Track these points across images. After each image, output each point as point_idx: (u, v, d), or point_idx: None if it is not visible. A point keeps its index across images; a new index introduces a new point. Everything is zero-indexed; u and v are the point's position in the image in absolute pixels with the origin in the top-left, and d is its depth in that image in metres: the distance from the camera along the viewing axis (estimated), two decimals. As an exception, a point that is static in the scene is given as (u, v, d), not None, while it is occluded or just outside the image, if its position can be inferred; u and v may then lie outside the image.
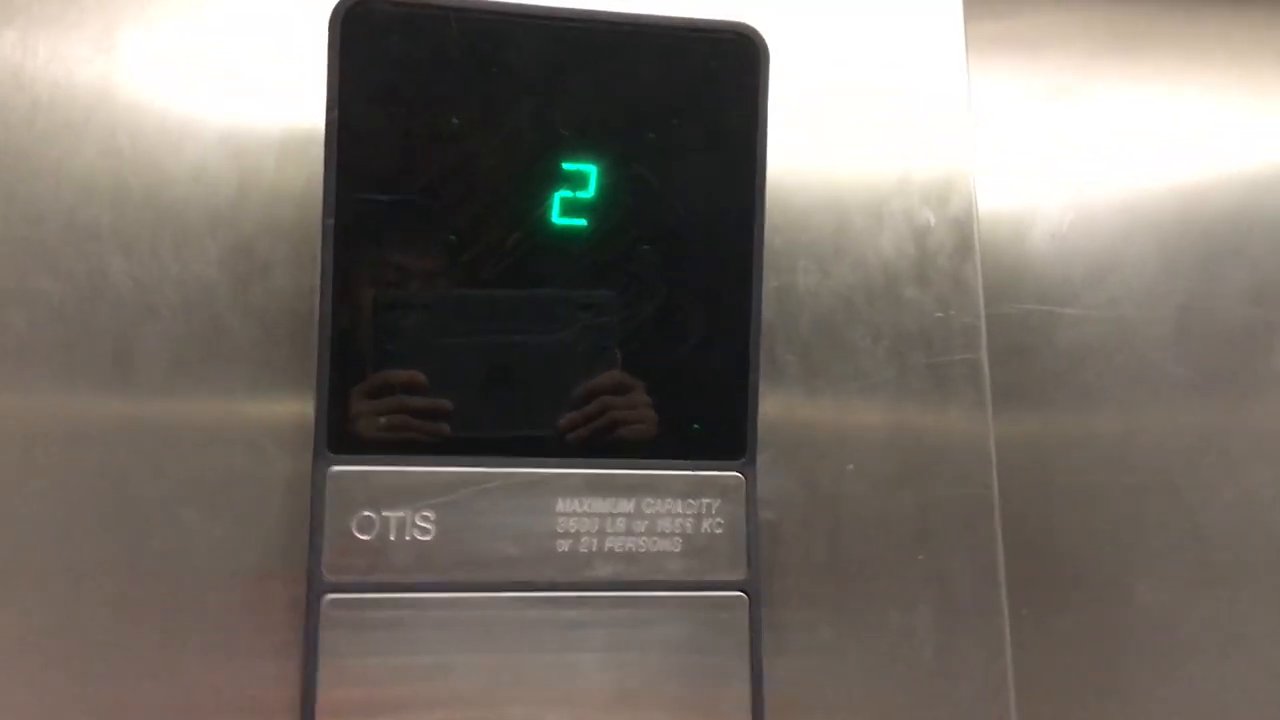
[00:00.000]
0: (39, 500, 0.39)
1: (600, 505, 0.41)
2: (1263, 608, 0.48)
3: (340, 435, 0.40)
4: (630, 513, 0.41)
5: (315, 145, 0.40)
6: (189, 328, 0.40)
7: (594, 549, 0.40)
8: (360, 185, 0.40)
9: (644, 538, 0.41)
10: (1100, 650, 0.47)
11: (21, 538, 0.38)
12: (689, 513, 0.41)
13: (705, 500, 0.41)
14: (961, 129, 0.46)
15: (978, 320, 0.45)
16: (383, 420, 0.40)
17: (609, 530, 0.41)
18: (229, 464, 0.40)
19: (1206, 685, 0.47)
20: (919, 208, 0.45)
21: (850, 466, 0.43)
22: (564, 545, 0.40)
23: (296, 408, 0.40)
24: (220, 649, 0.39)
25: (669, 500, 0.41)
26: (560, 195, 0.41)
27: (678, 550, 0.41)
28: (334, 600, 0.39)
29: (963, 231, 0.45)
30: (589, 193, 0.41)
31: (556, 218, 0.41)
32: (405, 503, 0.40)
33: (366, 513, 0.39)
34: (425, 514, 0.40)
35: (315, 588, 0.39)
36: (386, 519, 0.39)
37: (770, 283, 0.43)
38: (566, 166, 0.41)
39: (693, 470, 0.41)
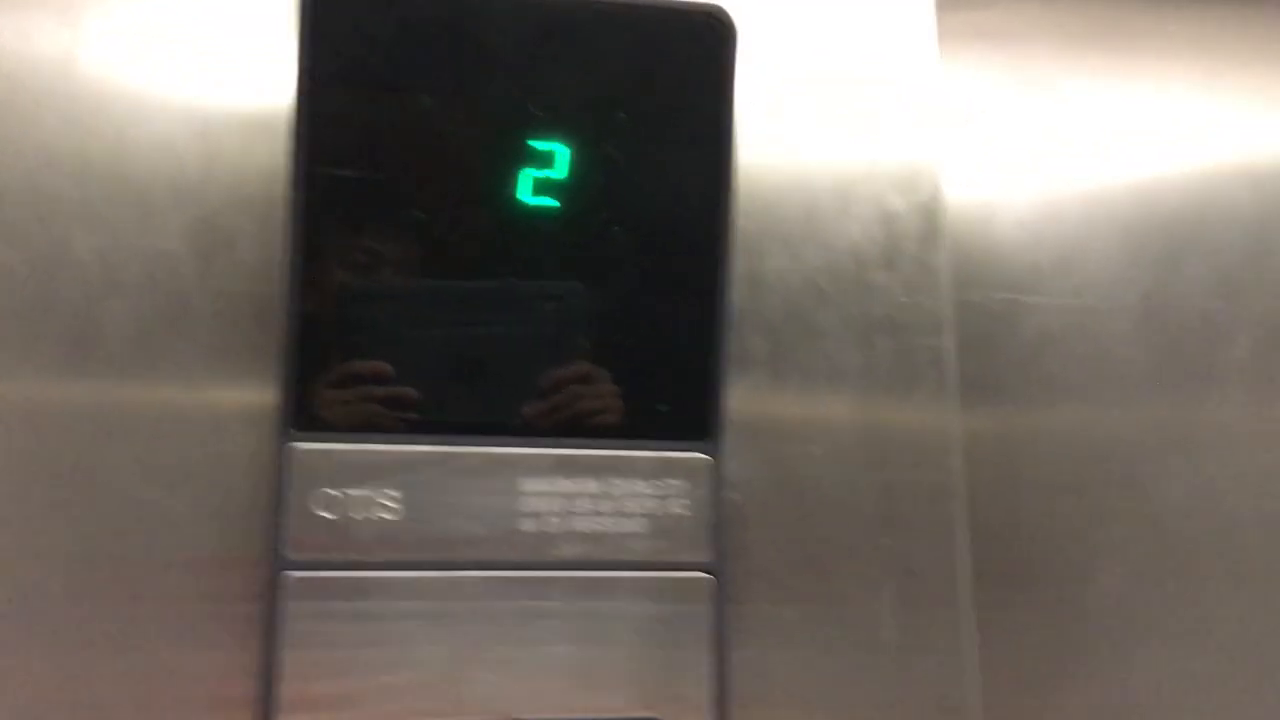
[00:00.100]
0: (-6, 477, 0.38)
1: (566, 485, 0.40)
2: (1219, 595, 0.48)
3: (304, 413, 0.39)
4: (596, 493, 0.41)
5: (282, 121, 0.39)
6: (152, 303, 0.40)
7: (559, 529, 0.40)
8: (328, 161, 0.40)
9: (610, 518, 0.41)
10: (1063, 635, 0.47)
11: (-24, 516, 0.38)
12: (655, 494, 0.41)
13: (671, 481, 0.41)
14: (931, 118, 0.46)
15: (945, 306, 0.45)
16: (348, 406, 0.39)
17: (574, 510, 0.40)
18: (192, 443, 0.39)
19: (1165, 670, 0.47)
20: (888, 194, 0.45)
21: (817, 450, 0.43)
22: (529, 525, 0.40)
23: (261, 385, 0.40)
24: (181, 628, 0.39)
25: (635, 481, 0.41)
26: (529, 174, 0.40)
27: (643, 531, 0.41)
28: (295, 578, 0.39)
29: (931, 218, 0.45)
30: (559, 173, 0.41)
31: (526, 197, 0.41)
32: (369, 481, 0.39)
33: (329, 490, 0.39)
34: (389, 493, 0.39)
35: (277, 565, 0.39)
36: (349, 497, 0.39)
37: (739, 267, 0.43)
38: (536, 145, 0.40)
39: (659, 451, 0.41)
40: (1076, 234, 0.49)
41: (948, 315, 0.45)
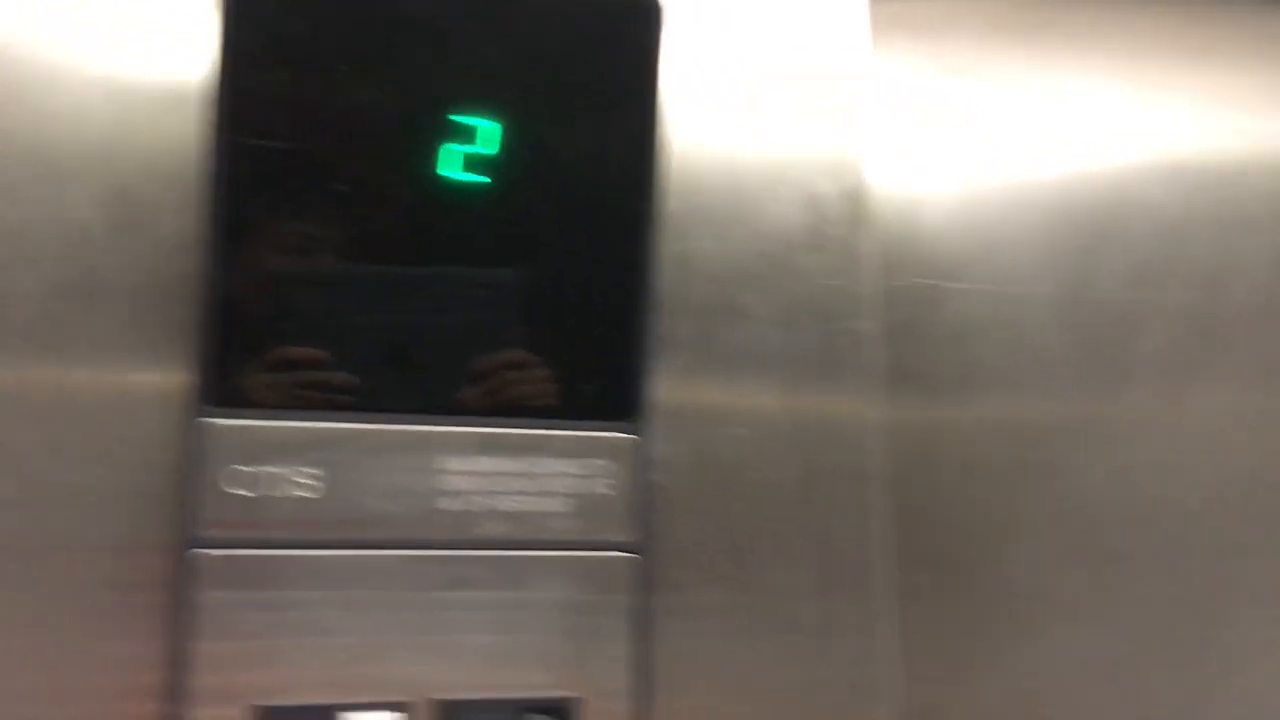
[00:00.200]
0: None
1: (489, 464, 0.40)
2: (1132, 578, 0.49)
3: (218, 389, 0.38)
4: (519, 472, 0.40)
5: (203, 93, 0.38)
6: (63, 275, 0.38)
7: (481, 508, 0.40)
8: (248, 133, 0.39)
9: (533, 498, 0.40)
10: (980, 617, 0.48)
11: None
12: (579, 473, 0.41)
13: (596, 461, 0.41)
14: (861, 106, 0.47)
15: (869, 290, 0.45)
16: (264, 383, 0.39)
17: (497, 490, 0.40)
18: (102, 421, 0.38)
19: (1077, 649, 0.48)
20: (816, 179, 0.45)
21: (741, 432, 0.43)
22: (450, 504, 0.40)
23: (176, 361, 0.39)
24: (89, 614, 0.37)
25: (559, 460, 0.41)
26: (454, 149, 0.40)
27: (567, 511, 0.41)
28: (207, 557, 0.38)
29: (857, 204, 0.46)
30: (489, 149, 0.40)
31: (451, 172, 0.40)
32: (285, 459, 0.38)
33: (243, 468, 0.38)
34: (306, 470, 0.39)
35: (188, 545, 0.38)
36: (265, 474, 0.38)
37: (667, 249, 0.43)
38: (461, 119, 0.40)
39: (584, 431, 0.41)
40: (1000, 223, 0.50)
41: (872, 300, 0.45)
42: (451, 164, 0.40)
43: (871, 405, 0.45)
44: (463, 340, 0.40)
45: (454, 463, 0.40)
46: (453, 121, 0.40)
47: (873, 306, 0.45)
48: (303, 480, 0.39)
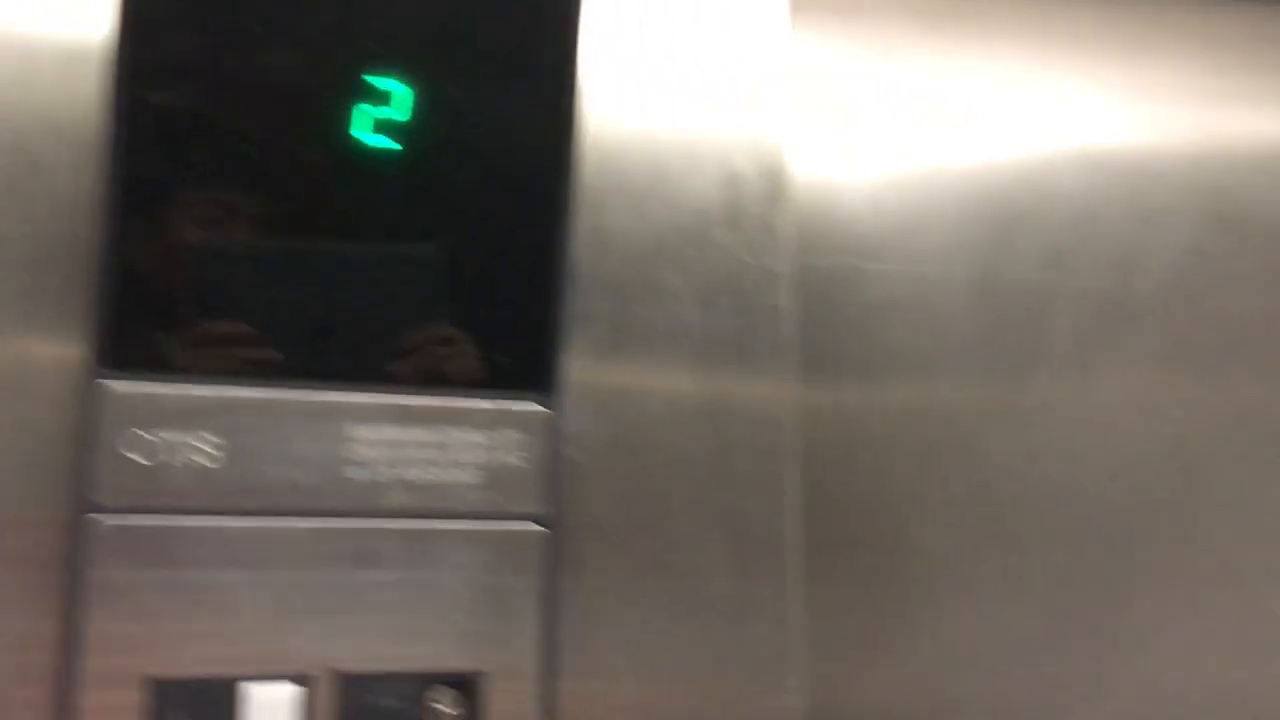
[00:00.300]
0: None
1: (397, 433, 0.39)
2: (1038, 557, 0.50)
3: (116, 351, 0.37)
4: (429, 442, 0.40)
5: (104, 49, 0.37)
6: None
7: (389, 478, 0.39)
8: (149, 90, 0.38)
9: (443, 468, 0.40)
10: (889, 595, 0.48)
11: None
12: (490, 444, 0.40)
13: (508, 433, 0.41)
14: (781, 85, 0.47)
15: (787, 269, 0.45)
16: (165, 345, 0.38)
17: (406, 460, 0.39)
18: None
19: (982, 626, 0.49)
20: (735, 156, 0.45)
21: (655, 407, 0.43)
22: (358, 474, 0.39)
23: (73, 323, 0.38)
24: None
25: (469, 431, 0.40)
26: (365, 111, 0.39)
27: (476, 482, 0.40)
28: (103, 525, 0.37)
29: (776, 181, 0.46)
30: (401, 114, 0.40)
31: (364, 135, 0.39)
32: (185, 424, 0.38)
33: (142, 433, 0.37)
34: (207, 436, 0.38)
35: (83, 512, 0.37)
36: (164, 440, 0.37)
37: (584, 221, 0.43)
38: (373, 81, 0.39)
39: (496, 403, 0.41)
40: (917, 204, 0.50)
41: (790, 278, 0.46)
42: (368, 127, 0.39)
43: (787, 384, 0.45)
44: (372, 308, 0.40)
45: (362, 432, 0.39)
46: (366, 82, 0.39)
47: (790, 285, 0.46)
48: (203, 447, 0.38)
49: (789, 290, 0.46)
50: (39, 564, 0.37)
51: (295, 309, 0.39)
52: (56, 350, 0.37)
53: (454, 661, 0.39)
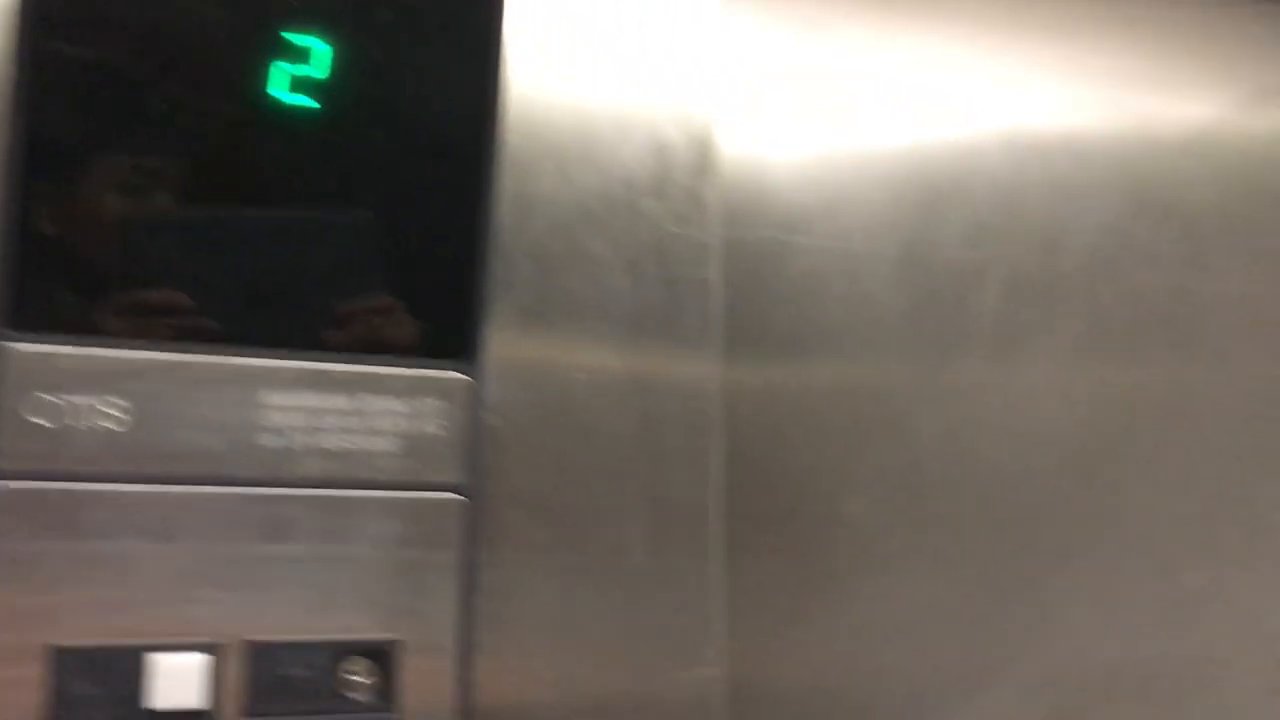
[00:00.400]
0: None
1: (313, 400, 0.39)
2: (956, 535, 0.51)
3: (22, 313, 0.36)
4: (346, 409, 0.39)
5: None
6: None
7: (304, 445, 0.38)
8: (56, 40, 0.36)
9: (360, 436, 0.39)
10: (812, 569, 0.48)
11: None
12: (409, 412, 0.40)
13: (427, 400, 0.40)
14: (711, 56, 0.46)
15: (714, 240, 0.45)
16: (79, 310, 0.36)
17: (322, 427, 0.39)
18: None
19: (901, 603, 0.50)
20: (664, 125, 0.45)
21: (579, 376, 0.43)
22: (272, 440, 0.38)
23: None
24: None
25: (388, 398, 0.40)
26: (283, 69, 0.38)
27: (395, 450, 0.40)
28: (4, 489, 0.35)
29: (704, 152, 0.45)
30: (319, 72, 0.39)
31: (281, 93, 0.38)
32: (92, 388, 0.36)
33: (47, 396, 0.36)
34: (115, 401, 0.37)
35: (-16, 476, 0.35)
36: (69, 404, 0.36)
37: (509, 187, 0.42)
38: (290, 37, 0.38)
39: (415, 370, 0.40)
40: (846, 179, 0.50)
41: (717, 250, 0.45)
42: (285, 84, 0.38)
43: (713, 357, 0.45)
44: (288, 271, 0.39)
45: (276, 398, 0.38)
46: (284, 39, 0.38)
47: (718, 257, 0.45)
48: (111, 411, 0.37)
49: (717, 262, 0.45)
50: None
51: (206, 271, 0.38)
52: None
53: (369, 630, 0.39)
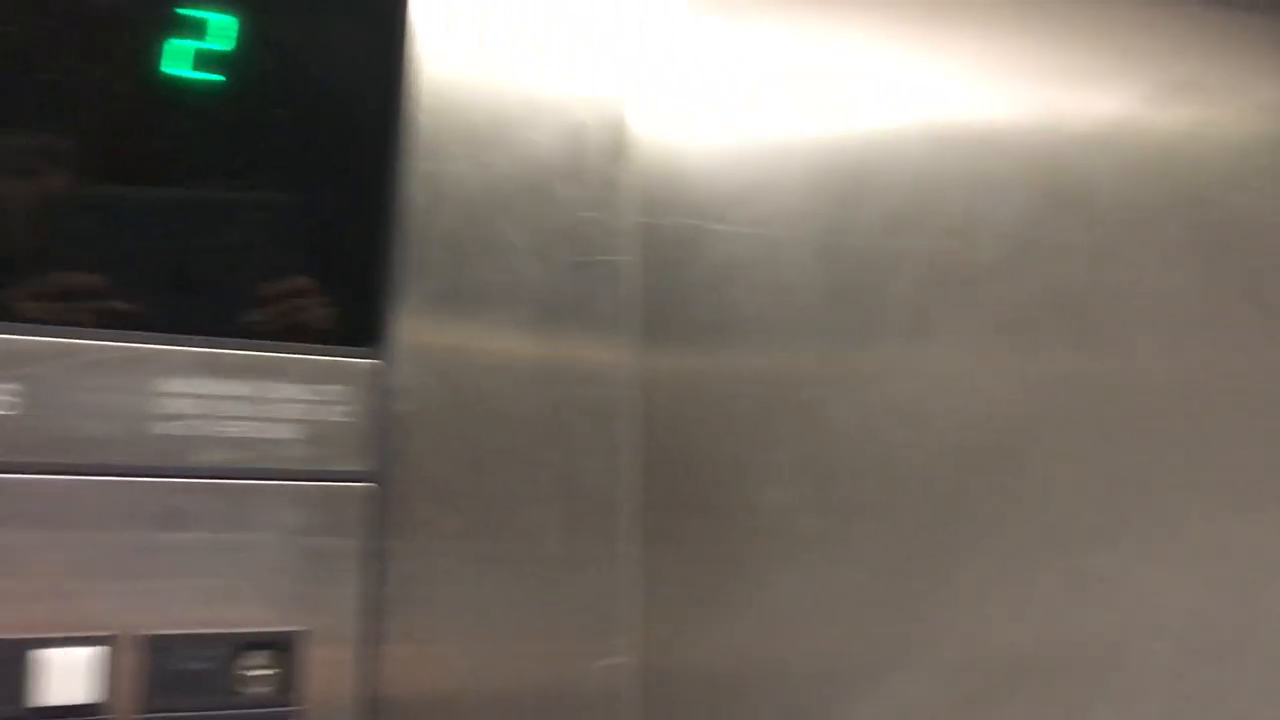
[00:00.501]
0: None
1: (212, 387, 0.38)
2: (870, 522, 0.51)
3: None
4: (247, 396, 0.38)
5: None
6: None
7: (202, 433, 0.37)
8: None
9: (261, 423, 0.38)
10: (726, 556, 0.48)
11: None
12: (314, 399, 0.39)
13: (334, 387, 0.39)
14: (625, 40, 0.46)
15: (628, 225, 0.45)
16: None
17: (221, 414, 0.38)
18: None
19: (816, 589, 0.50)
20: (577, 109, 0.44)
21: (490, 362, 0.42)
22: (168, 428, 0.37)
23: None
24: None
25: (292, 385, 0.39)
26: (181, 45, 0.37)
27: (300, 437, 0.39)
28: (-118, 479, 0.34)
29: (618, 137, 0.45)
30: (225, 44, 0.38)
31: (179, 70, 0.37)
32: (-22, 372, 0.35)
33: (-72, 381, 0.35)
34: (5, 386, 0.35)
35: None
36: (-47, 389, 0.35)
37: (419, 168, 0.41)
38: (187, 13, 0.37)
39: (319, 355, 0.39)
40: (764, 167, 0.50)
41: (631, 234, 0.45)
42: (180, 62, 0.37)
43: (627, 343, 0.45)
44: (188, 253, 0.37)
45: (173, 384, 0.37)
46: (179, 15, 0.37)
47: (633, 242, 0.45)
48: (1, 396, 0.35)
49: (631, 248, 0.45)
50: None
51: (103, 254, 0.37)
52: None
53: (272, 622, 0.38)
